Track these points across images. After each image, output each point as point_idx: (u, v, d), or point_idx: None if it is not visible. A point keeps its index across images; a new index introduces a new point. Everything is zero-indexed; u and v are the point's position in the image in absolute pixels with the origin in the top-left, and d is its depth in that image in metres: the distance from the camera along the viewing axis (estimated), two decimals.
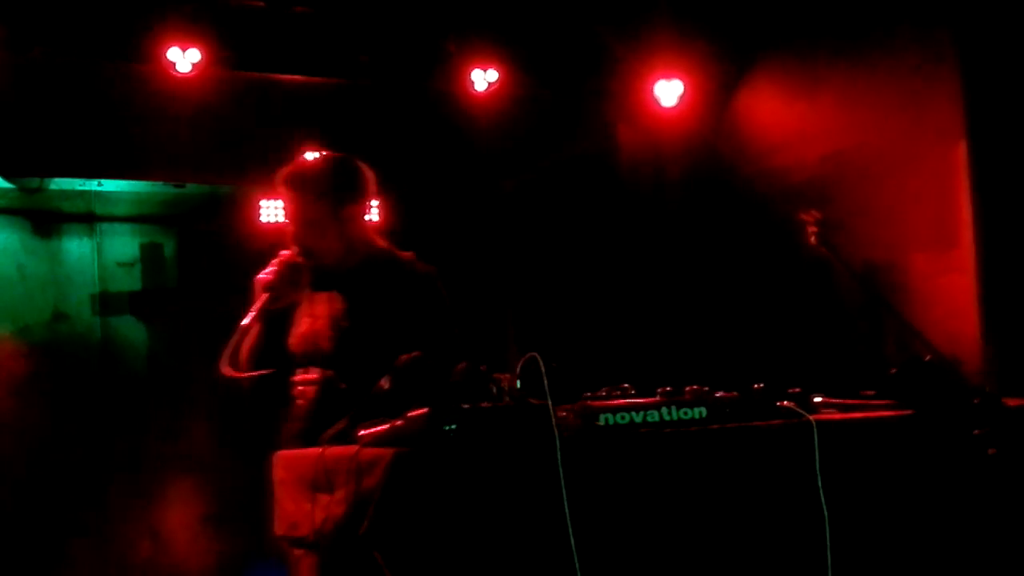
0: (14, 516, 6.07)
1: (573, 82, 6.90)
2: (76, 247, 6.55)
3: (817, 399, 3.35)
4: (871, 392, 3.52)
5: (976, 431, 3.28)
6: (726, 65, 7.02)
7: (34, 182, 6.27)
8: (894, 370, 3.47)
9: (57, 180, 6.28)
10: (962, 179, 5.74)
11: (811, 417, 3.10)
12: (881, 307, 4.61)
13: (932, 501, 3.25)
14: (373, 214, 3.84)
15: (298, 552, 3.22)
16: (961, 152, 5.74)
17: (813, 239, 3.87)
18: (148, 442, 6.45)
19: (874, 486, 3.17)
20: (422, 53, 6.48)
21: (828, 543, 3.01)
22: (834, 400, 3.44)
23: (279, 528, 3.30)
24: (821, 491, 3.03)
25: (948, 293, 5.71)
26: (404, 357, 3.12)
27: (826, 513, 3.02)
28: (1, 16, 5.49)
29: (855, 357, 6.01)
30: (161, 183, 6.47)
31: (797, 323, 6.47)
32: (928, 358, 3.47)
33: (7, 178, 6.18)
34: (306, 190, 3.83)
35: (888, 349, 5.60)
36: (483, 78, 6.46)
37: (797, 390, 3.28)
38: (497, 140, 6.76)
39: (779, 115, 6.81)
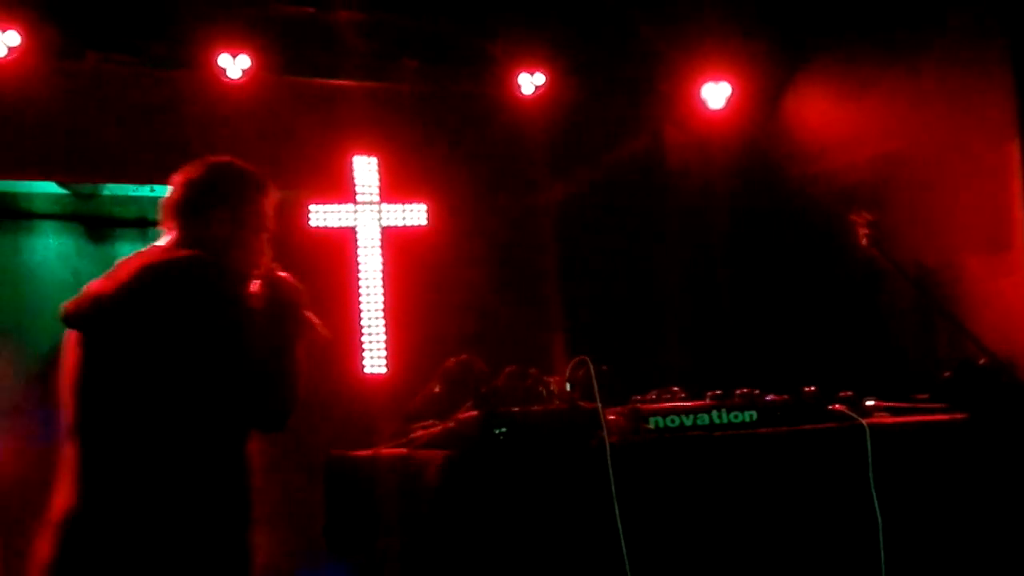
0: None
1: (621, 85, 6.88)
2: (130, 252, 6.59)
3: (869, 403, 3.33)
4: (924, 396, 3.49)
5: None
6: (774, 67, 6.98)
7: (87, 188, 6.33)
8: (947, 373, 3.44)
9: (111, 186, 6.35)
10: (1015, 180, 5.66)
11: (863, 421, 3.08)
12: (934, 310, 4.56)
13: (986, 505, 3.21)
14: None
15: (352, 552, 3.24)
16: (1014, 153, 5.66)
17: (864, 241, 3.84)
18: None
19: (927, 490, 3.15)
20: (469, 57, 6.49)
21: (882, 547, 2.99)
22: (886, 404, 3.41)
23: (332, 529, 3.32)
24: (874, 495, 3.01)
25: (1001, 296, 5.63)
26: (453, 360, 3.13)
27: (879, 517, 3.00)
28: (55, 23, 5.58)
29: (907, 361, 5.95)
30: None
31: (848, 326, 6.41)
32: (982, 361, 3.44)
33: (61, 184, 6.26)
34: None
35: (941, 352, 5.53)
36: (530, 81, 6.46)
37: (849, 394, 3.26)
38: (544, 144, 6.75)
39: (828, 117, 6.75)
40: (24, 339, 6.26)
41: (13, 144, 5.80)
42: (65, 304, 3.11)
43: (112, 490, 2.81)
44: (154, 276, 2.99)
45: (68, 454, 2.89)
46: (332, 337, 3.35)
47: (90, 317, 3.00)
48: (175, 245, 3.17)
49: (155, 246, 3.24)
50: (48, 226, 6.46)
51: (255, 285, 3.18)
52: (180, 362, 2.84)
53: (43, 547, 2.80)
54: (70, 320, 3.04)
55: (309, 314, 3.22)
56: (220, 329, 2.89)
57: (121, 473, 2.81)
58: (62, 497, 2.87)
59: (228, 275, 3.04)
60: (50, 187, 6.29)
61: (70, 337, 3.04)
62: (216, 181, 3.29)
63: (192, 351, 2.85)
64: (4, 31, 5.42)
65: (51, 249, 6.42)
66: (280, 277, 3.22)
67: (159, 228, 3.26)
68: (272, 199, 3.36)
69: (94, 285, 3.13)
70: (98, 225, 6.54)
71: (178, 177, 3.32)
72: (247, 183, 3.35)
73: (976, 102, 5.79)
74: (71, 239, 6.49)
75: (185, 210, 3.23)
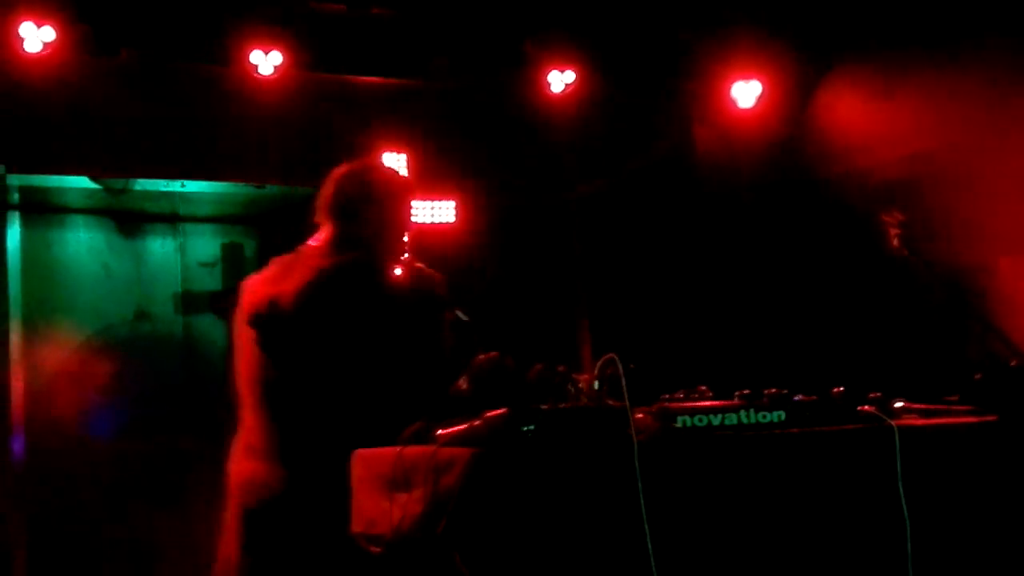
0: (101, 514, 6.20)
1: (650, 83, 6.87)
2: (159, 247, 6.67)
3: (898, 404, 3.31)
4: (954, 397, 3.46)
5: None
6: (804, 65, 6.94)
7: (119, 183, 6.39)
8: (978, 375, 3.41)
9: (142, 181, 6.40)
10: None
11: (892, 422, 3.06)
12: (965, 311, 4.52)
13: (1017, 509, 3.18)
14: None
15: (375, 550, 3.25)
16: None
17: (896, 241, 3.82)
18: (230, 439, 6.54)
19: (957, 493, 3.12)
20: (499, 55, 6.49)
21: (909, 551, 2.97)
22: (916, 405, 3.39)
23: (356, 526, 3.33)
24: (903, 498, 2.99)
25: None
26: (482, 357, 3.14)
27: (907, 520, 2.98)
28: (87, 19, 5.62)
29: (938, 362, 5.91)
30: (242, 184, 6.56)
31: (878, 326, 6.37)
32: (1014, 363, 3.40)
33: (93, 179, 6.32)
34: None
35: (972, 354, 5.49)
36: (560, 79, 6.46)
37: (878, 395, 3.23)
38: (574, 142, 6.75)
39: (859, 116, 6.72)
40: (57, 332, 6.33)
41: (47, 139, 5.86)
42: (242, 306, 3.59)
43: (309, 462, 3.42)
44: (328, 281, 3.46)
45: (248, 432, 3.49)
46: (471, 321, 3.69)
47: (272, 317, 3.46)
48: (330, 244, 3.60)
49: (311, 245, 3.65)
50: (79, 220, 6.52)
51: (401, 277, 3.61)
52: (353, 350, 3.37)
53: (232, 505, 3.38)
54: (253, 322, 3.51)
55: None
56: (381, 322, 3.41)
57: (315, 448, 3.40)
58: (240, 464, 3.60)
59: (384, 275, 3.55)
60: (82, 182, 6.34)
61: (244, 333, 3.55)
62: (367, 183, 3.68)
63: (361, 341, 3.38)
64: (39, 27, 5.47)
65: (82, 243, 6.49)
66: (422, 269, 3.66)
67: (314, 223, 3.69)
68: (414, 199, 3.87)
69: (259, 287, 3.58)
70: (129, 220, 6.60)
71: (332, 178, 3.72)
72: (394, 185, 3.73)
73: (1011, 101, 5.74)
74: (102, 233, 6.56)
75: (338, 209, 3.64)
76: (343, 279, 3.48)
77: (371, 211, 3.64)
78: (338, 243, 3.60)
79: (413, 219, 3.74)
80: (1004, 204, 5.76)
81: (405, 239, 3.72)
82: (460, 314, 3.66)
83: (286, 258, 3.66)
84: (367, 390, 3.19)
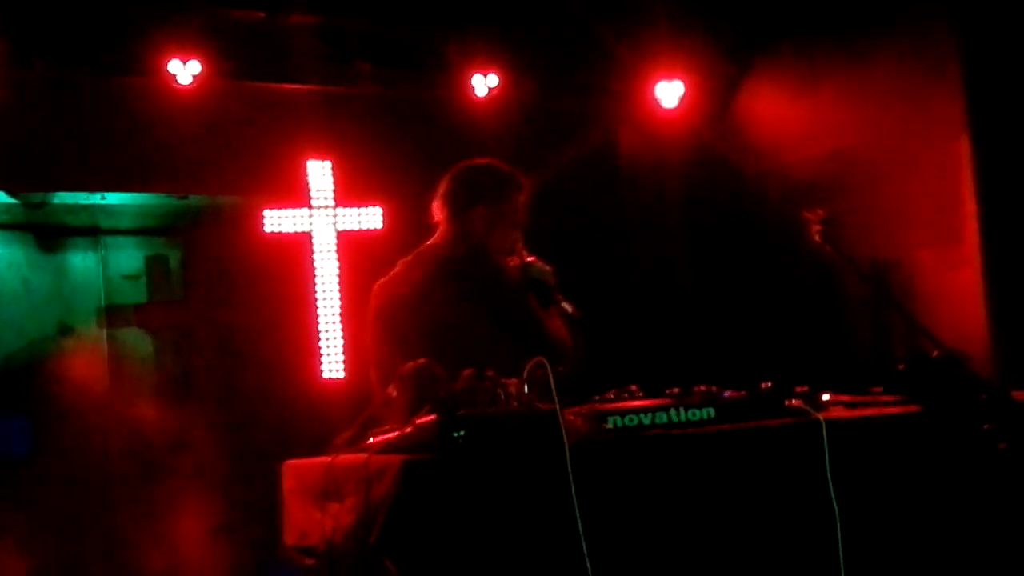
0: (34, 531, 6.08)
1: (573, 85, 6.90)
2: (81, 261, 6.55)
3: (825, 397, 3.35)
4: (879, 389, 3.51)
5: (985, 426, 3.27)
6: (727, 65, 7.02)
7: (37, 197, 6.26)
8: (902, 366, 3.46)
9: (61, 194, 6.28)
10: (966, 174, 5.73)
11: (820, 415, 3.10)
12: (887, 303, 4.60)
13: (943, 497, 3.24)
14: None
15: (308, 561, 3.22)
16: (964, 147, 5.73)
17: (818, 237, 3.86)
18: (157, 453, 6.45)
19: (884, 483, 3.17)
20: (422, 59, 6.48)
21: (840, 541, 3.01)
22: (842, 397, 3.43)
23: (289, 538, 3.30)
24: (832, 489, 3.03)
25: (954, 288, 5.70)
26: (409, 364, 3.12)
27: (837, 511, 3.02)
28: (2, 32, 5.51)
29: (862, 354, 6.00)
30: (164, 195, 6.47)
31: (803, 321, 6.46)
32: (935, 354, 3.46)
33: (10, 193, 6.18)
34: None
35: (895, 345, 5.59)
36: (483, 83, 6.46)
37: (805, 388, 3.27)
38: (499, 145, 6.74)
39: (781, 114, 6.81)
40: None
41: None
42: (373, 306, 3.89)
43: None
44: (450, 271, 3.79)
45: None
46: (578, 313, 3.97)
47: (401, 309, 3.78)
48: (448, 241, 3.88)
49: (429, 244, 3.93)
50: None
51: (512, 269, 3.89)
52: (471, 331, 3.67)
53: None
54: (384, 316, 3.84)
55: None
56: (498, 306, 3.75)
57: None
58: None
59: (499, 264, 3.86)
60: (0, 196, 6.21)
61: (377, 328, 3.84)
62: (479, 182, 3.93)
63: (479, 323, 3.69)
64: None
65: (1, 259, 6.35)
66: (531, 261, 3.94)
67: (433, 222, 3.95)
68: (525, 196, 3.97)
69: (387, 287, 3.88)
70: (49, 234, 6.47)
71: (446, 177, 3.96)
72: (505, 183, 3.95)
73: (927, 98, 5.85)
74: (21, 249, 6.42)
75: (452, 207, 3.90)
76: (463, 268, 3.78)
77: (482, 209, 3.88)
78: (455, 239, 3.88)
79: (522, 215, 3.98)
80: (921, 198, 5.88)
81: (517, 233, 3.96)
82: (567, 306, 3.92)
83: (408, 258, 3.94)
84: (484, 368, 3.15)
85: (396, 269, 3.95)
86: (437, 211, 3.97)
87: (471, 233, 3.88)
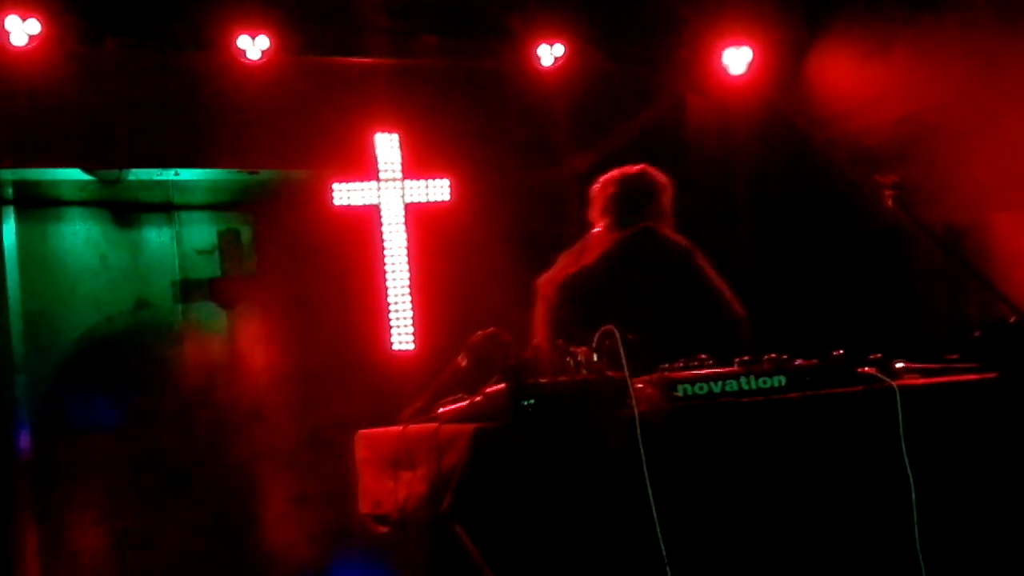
0: (107, 501, 6.21)
1: (640, 53, 6.84)
2: (156, 236, 6.65)
3: (899, 365, 3.30)
4: (954, 356, 3.46)
5: None
6: (795, 29, 6.91)
7: (113, 174, 6.36)
8: (977, 333, 3.41)
9: (135, 171, 6.38)
10: None
11: (893, 383, 3.06)
12: (962, 269, 4.51)
13: (1019, 465, 3.19)
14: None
15: (383, 529, 3.26)
16: None
17: (890, 202, 3.81)
18: (231, 426, 6.56)
19: (960, 451, 3.13)
20: (488, 30, 6.47)
21: (915, 510, 2.98)
22: (916, 365, 3.38)
23: (363, 506, 3.35)
24: (906, 457, 2.99)
25: None
26: (479, 333, 3.13)
27: (911, 480, 2.98)
28: (75, 9, 5.60)
29: (937, 322, 5.92)
30: (235, 170, 6.54)
31: (877, 289, 6.37)
32: (1012, 319, 3.40)
33: (86, 171, 6.29)
34: None
35: (971, 312, 5.50)
36: (549, 53, 6.44)
37: (878, 356, 3.23)
38: (565, 115, 6.73)
39: (852, 79, 6.69)
40: (55, 324, 6.33)
41: (38, 132, 5.85)
42: (542, 293, 4.23)
43: None
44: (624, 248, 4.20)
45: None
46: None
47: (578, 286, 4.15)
48: (612, 229, 4.28)
49: (594, 233, 4.33)
50: (75, 212, 6.50)
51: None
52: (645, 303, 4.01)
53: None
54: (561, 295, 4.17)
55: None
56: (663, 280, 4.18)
57: None
58: None
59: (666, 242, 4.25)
60: (76, 174, 6.32)
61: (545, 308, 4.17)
62: (643, 184, 4.38)
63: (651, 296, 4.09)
64: (25, 20, 5.45)
65: (79, 235, 6.47)
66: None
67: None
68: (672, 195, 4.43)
69: (555, 274, 4.26)
70: (124, 210, 6.58)
71: (610, 180, 4.40)
72: (665, 186, 4.42)
73: (1002, 60, 5.72)
74: (98, 225, 6.53)
75: (620, 206, 4.31)
76: (635, 245, 4.19)
77: (649, 204, 4.33)
78: (619, 228, 4.26)
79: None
80: (998, 161, 5.75)
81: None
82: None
83: (574, 248, 4.34)
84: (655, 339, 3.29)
85: (559, 261, 4.32)
86: (595, 211, 4.36)
87: (633, 223, 4.23)
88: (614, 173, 4.44)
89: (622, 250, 4.21)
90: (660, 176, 4.46)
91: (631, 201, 4.34)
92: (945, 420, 3.12)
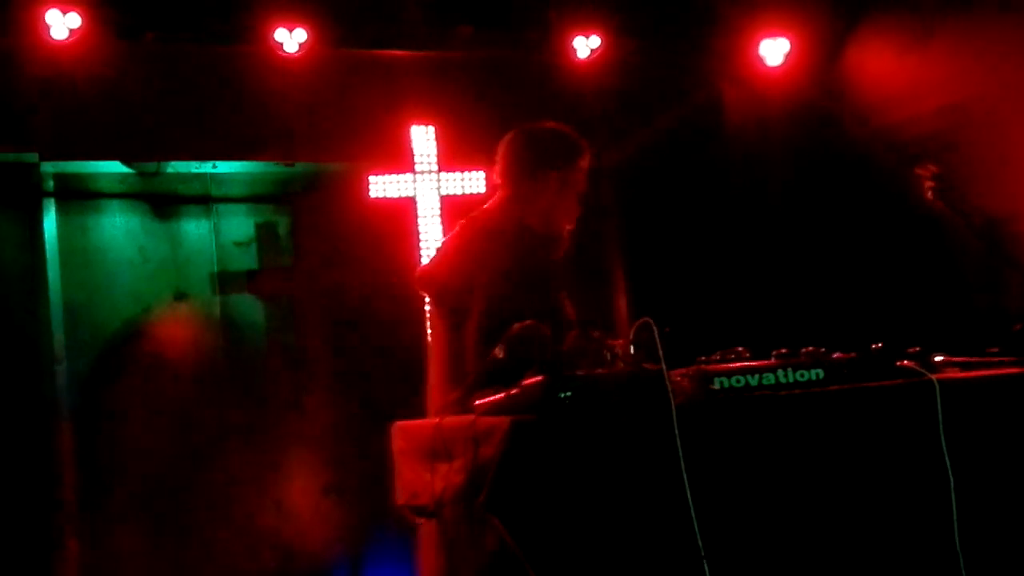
0: (149, 490, 6.28)
1: (676, 44, 6.81)
2: (194, 228, 6.70)
3: (938, 358, 3.28)
4: (995, 349, 3.43)
5: None
6: (833, 20, 6.86)
7: (151, 167, 6.42)
8: (1018, 326, 3.38)
9: (174, 164, 6.43)
10: None
11: (933, 376, 3.04)
12: (1003, 261, 4.47)
13: None
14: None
15: (419, 520, 3.28)
16: None
17: (930, 194, 3.78)
18: (269, 416, 6.60)
19: (1000, 445, 3.10)
20: (524, 22, 6.46)
21: (954, 505, 2.96)
22: (956, 359, 3.36)
23: (400, 497, 3.36)
24: (945, 452, 2.97)
25: None
26: (517, 325, 3.13)
27: (951, 474, 2.96)
28: (114, 4, 5.65)
29: (977, 314, 5.86)
30: (273, 163, 6.58)
31: (915, 281, 6.32)
32: None
33: (125, 163, 6.35)
34: None
35: (1011, 304, 5.44)
36: (586, 44, 6.43)
37: (917, 349, 3.21)
38: (602, 106, 6.71)
39: (890, 69, 6.64)
40: (95, 315, 6.39)
41: (78, 125, 5.91)
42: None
43: None
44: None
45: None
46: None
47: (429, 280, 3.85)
48: (502, 208, 3.76)
49: (483, 208, 3.82)
50: (114, 205, 6.56)
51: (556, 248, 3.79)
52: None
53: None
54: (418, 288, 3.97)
55: None
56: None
57: None
58: None
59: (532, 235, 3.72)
60: (115, 167, 6.38)
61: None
62: (549, 146, 3.80)
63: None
64: (65, 13, 5.50)
65: (118, 228, 6.52)
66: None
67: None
68: (588, 161, 3.83)
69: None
70: (163, 203, 6.63)
71: (509, 140, 3.85)
72: (574, 148, 3.82)
73: None
74: (137, 217, 6.59)
75: (521, 171, 3.78)
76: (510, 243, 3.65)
77: (547, 173, 3.77)
78: (511, 208, 3.77)
79: (584, 182, 3.86)
80: None
81: (579, 202, 3.84)
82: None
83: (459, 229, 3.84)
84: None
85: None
86: (499, 175, 3.86)
87: (534, 199, 3.76)
88: (520, 128, 3.98)
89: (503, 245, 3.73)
90: (573, 137, 3.95)
91: (539, 161, 3.86)
92: (985, 414, 3.10)
